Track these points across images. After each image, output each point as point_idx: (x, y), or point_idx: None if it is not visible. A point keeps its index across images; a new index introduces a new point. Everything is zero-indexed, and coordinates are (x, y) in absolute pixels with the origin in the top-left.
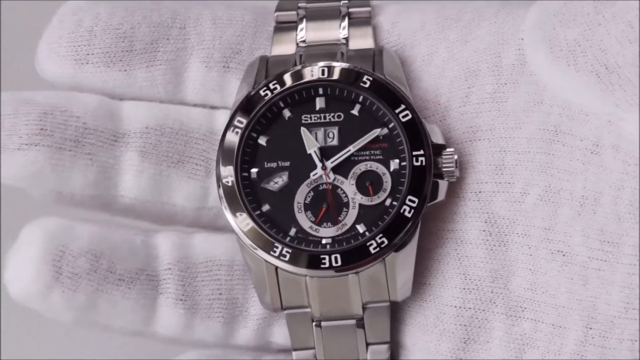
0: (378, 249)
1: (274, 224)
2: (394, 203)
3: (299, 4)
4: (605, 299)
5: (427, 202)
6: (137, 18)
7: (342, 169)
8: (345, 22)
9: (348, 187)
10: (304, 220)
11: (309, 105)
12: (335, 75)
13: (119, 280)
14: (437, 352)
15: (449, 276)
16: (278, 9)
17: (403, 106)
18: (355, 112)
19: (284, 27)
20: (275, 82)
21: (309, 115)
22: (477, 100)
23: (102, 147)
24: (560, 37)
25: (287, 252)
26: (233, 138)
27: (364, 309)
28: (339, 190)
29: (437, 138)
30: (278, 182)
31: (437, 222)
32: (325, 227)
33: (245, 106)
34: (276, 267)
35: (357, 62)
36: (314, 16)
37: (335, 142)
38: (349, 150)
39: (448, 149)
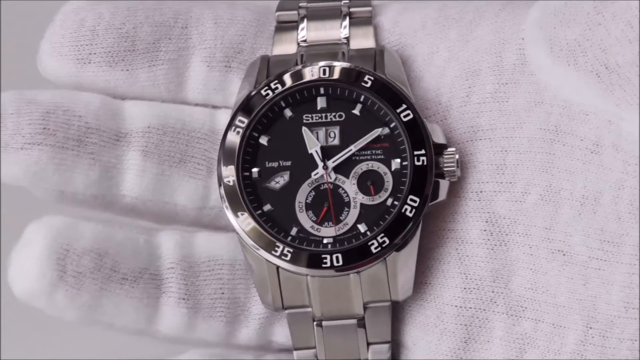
0: (379, 248)
1: (275, 223)
2: (395, 203)
3: (300, 4)
4: (606, 299)
5: (429, 202)
6: (140, 18)
7: (343, 168)
8: (346, 22)
9: (349, 186)
10: (305, 219)
11: (310, 104)
12: (336, 75)
13: (122, 279)
14: (437, 352)
15: (449, 276)
16: (279, 9)
17: (404, 106)
18: (356, 111)
19: (285, 27)
20: (276, 81)
21: (310, 115)
22: (478, 99)
23: (104, 146)
24: (561, 36)
25: (288, 251)
26: (234, 138)
27: (365, 308)
28: (340, 190)
29: (438, 138)
30: (279, 181)
31: (438, 222)
32: (326, 226)
33: (247, 106)
34: (277, 267)
35: (358, 62)
36: (314, 16)
37: (336, 142)
38: (350, 149)
39: (449, 149)
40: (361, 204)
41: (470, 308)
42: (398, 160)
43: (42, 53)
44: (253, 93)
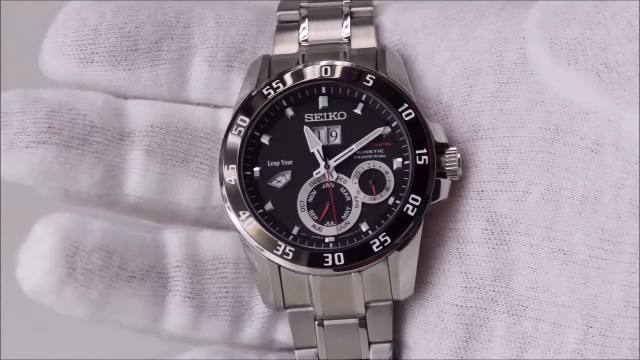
0: (381, 247)
1: (277, 222)
2: (397, 202)
3: (301, 4)
4: (606, 298)
5: (430, 201)
6: (142, 17)
7: (345, 167)
8: (348, 22)
9: (351, 185)
10: (307, 219)
11: (312, 104)
12: (337, 74)
13: (130, 277)
14: (438, 351)
15: (450, 275)
16: (280, 9)
17: (406, 105)
18: (358, 111)
19: (286, 27)
20: (277, 81)
21: (311, 114)
22: (479, 99)
23: (108, 145)
24: (561, 36)
25: (290, 250)
26: (236, 137)
27: (366, 307)
28: (341, 189)
29: (439, 137)
30: (281, 181)
31: (439, 221)
32: (328, 225)
33: (248, 105)
34: (279, 266)
35: (359, 61)
36: (316, 16)
37: (338, 141)
38: (352, 149)
39: (451, 148)
40: (363, 203)
41: (471, 307)
42: (400, 159)
43: (44, 53)
44: (254, 92)
